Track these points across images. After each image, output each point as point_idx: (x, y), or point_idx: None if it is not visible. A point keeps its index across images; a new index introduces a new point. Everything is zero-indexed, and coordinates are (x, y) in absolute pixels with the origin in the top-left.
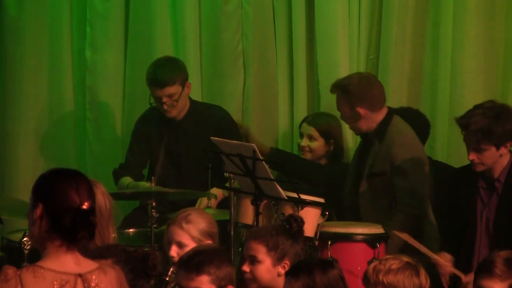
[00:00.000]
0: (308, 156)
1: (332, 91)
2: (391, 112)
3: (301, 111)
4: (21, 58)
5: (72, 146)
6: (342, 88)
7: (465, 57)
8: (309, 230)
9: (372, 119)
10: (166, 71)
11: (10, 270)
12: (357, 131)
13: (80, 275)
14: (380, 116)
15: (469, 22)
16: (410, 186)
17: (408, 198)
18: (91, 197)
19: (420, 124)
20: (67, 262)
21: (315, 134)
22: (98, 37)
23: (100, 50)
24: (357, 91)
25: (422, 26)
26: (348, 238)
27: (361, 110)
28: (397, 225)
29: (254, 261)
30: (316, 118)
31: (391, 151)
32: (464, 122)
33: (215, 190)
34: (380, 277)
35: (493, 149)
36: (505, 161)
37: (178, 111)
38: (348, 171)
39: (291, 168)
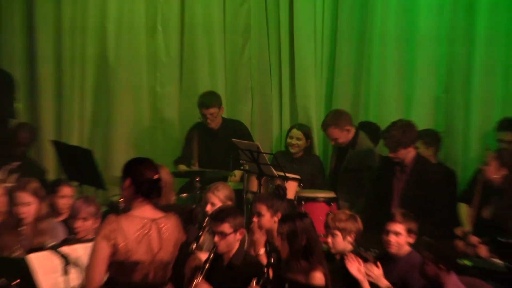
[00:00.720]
0: (296, 149)
1: (326, 125)
2: (357, 129)
3: (287, 124)
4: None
5: (148, 143)
6: (335, 121)
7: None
8: (291, 194)
9: (349, 135)
10: (210, 99)
11: (112, 216)
12: (340, 144)
13: (153, 220)
14: (352, 133)
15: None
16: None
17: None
18: (158, 173)
19: (373, 130)
20: (145, 212)
21: (301, 136)
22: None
23: (166, 86)
24: (344, 120)
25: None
26: (314, 199)
27: (348, 129)
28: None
29: (259, 214)
30: (301, 126)
31: (361, 155)
32: (384, 136)
33: (236, 172)
34: (336, 223)
35: (403, 150)
36: (412, 154)
37: (216, 123)
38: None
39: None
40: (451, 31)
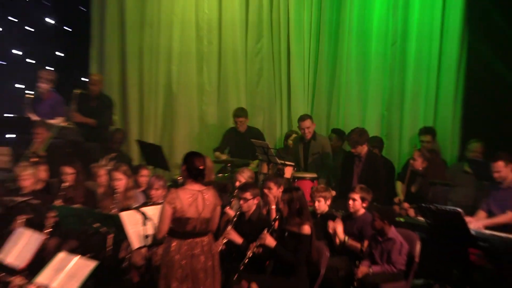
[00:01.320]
0: (309, 136)
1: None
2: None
3: (284, 130)
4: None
5: (198, 141)
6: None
7: None
8: (288, 175)
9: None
10: (241, 111)
11: (174, 189)
12: (307, 135)
13: (199, 191)
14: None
15: None
16: (329, 161)
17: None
18: (203, 165)
19: (340, 134)
20: (194, 186)
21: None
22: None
23: (209, 105)
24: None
25: None
26: (303, 178)
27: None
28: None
29: (269, 188)
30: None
31: (322, 144)
32: (347, 138)
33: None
34: (318, 193)
35: (360, 147)
36: (365, 150)
37: (243, 128)
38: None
39: None
40: (392, 61)
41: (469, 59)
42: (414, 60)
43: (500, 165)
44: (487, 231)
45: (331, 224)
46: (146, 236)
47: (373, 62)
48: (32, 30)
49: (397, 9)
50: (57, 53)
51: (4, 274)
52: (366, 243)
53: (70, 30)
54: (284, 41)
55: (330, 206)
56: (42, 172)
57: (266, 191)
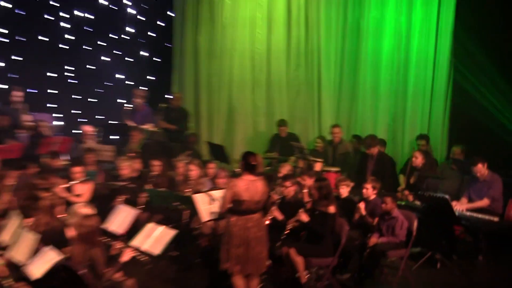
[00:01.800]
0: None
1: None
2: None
3: (316, 135)
4: None
5: (252, 143)
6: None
7: None
8: (318, 168)
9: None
10: (283, 122)
11: (234, 178)
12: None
13: (252, 180)
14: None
15: None
16: (350, 159)
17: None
18: (256, 161)
19: (358, 139)
20: (249, 177)
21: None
22: None
23: (260, 116)
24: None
25: None
26: (329, 171)
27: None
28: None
29: (304, 179)
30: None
31: (346, 146)
32: (364, 142)
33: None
34: (341, 182)
35: (372, 148)
36: (376, 150)
37: (284, 134)
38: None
39: None
40: (396, 86)
41: (454, 86)
42: (413, 86)
43: (480, 167)
44: (468, 213)
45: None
46: (212, 212)
47: (382, 86)
48: (131, 60)
49: (401, 42)
50: (148, 77)
51: (108, 239)
52: (376, 220)
53: (159, 60)
54: (316, 69)
55: (350, 193)
56: (137, 164)
57: (301, 180)
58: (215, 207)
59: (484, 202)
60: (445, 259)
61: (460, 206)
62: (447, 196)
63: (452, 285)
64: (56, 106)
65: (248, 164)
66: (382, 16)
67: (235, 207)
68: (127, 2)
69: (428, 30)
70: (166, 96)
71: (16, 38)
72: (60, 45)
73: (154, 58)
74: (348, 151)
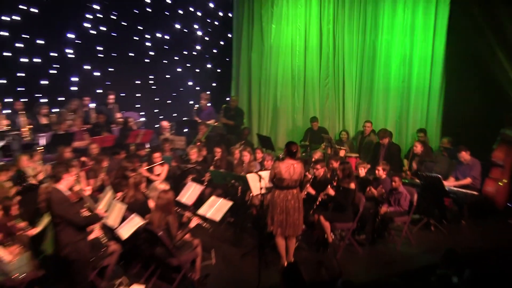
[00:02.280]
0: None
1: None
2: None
3: (340, 129)
4: None
5: (291, 135)
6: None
7: None
8: (342, 154)
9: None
10: (315, 119)
11: (277, 161)
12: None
13: (292, 163)
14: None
15: None
16: (372, 147)
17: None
18: (296, 149)
19: (375, 132)
20: (289, 160)
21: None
22: None
23: (298, 113)
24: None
25: None
26: (350, 156)
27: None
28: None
29: (331, 163)
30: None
31: (371, 138)
32: (378, 134)
33: (323, 145)
34: (360, 165)
35: (384, 139)
36: (387, 140)
37: (316, 128)
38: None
39: None
40: (401, 93)
41: (446, 94)
42: (414, 92)
43: (463, 153)
44: (455, 188)
45: (372, 188)
46: (260, 188)
47: (391, 94)
48: (198, 70)
49: (405, 61)
50: (212, 84)
51: (180, 209)
52: (385, 194)
53: (220, 71)
54: (341, 80)
55: (367, 173)
56: (203, 151)
57: (331, 164)
58: (263, 184)
59: (467, 181)
60: (437, 224)
61: (448, 183)
62: (439, 176)
63: (442, 243)
64: (140, 106)
65: (290, 151)
66: (392, 39)
67: (278, 183)
68: (196, 26)
69: (425, 56)
70: (226, 99)
71: (111, 54)
72: (145, 59)
73: (217, 70)
74: (372, 141)
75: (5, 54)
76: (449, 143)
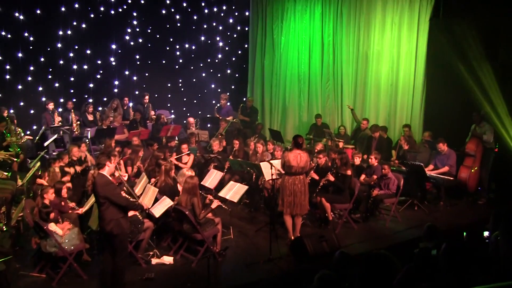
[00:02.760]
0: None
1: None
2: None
3: (338, 124)
4: None
5: (298, 129)
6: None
7: None
8: (340, 146)
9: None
10: (318, 116)
11: (286, 151)
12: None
13: (298, 153)
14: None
15: None
16: (366, 139)
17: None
18: (302, 140)
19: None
20: (297, 151)
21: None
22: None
23: (307, 112)
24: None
25: None
26: (347, 148)
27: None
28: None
29: (331, 154)
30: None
31: (366, 132)
32: (370, 129)
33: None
34: (356, 155)
35: (376, 133)
36: (378, 134)
37: (320, 123)
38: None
39: None
40: (390, 94)
41: (428, 89)
42: (400, 95)
43: (441, 145)
44: (434, 175)
45: (362, 176)
46: (272, 174)
47: (381, 94)
48: (219, 75)
49: (393, 65)
50: (232, 86)
51: (203, 192)
52: (376, 180)
53: (237, 75)
54: (339, 82)
55: (361, 161)
56: (223, 142)
57: (331, 154)
58: (274, 171)
59: (445, 169)
60: (420, 204)
61: (428, 171)
62: (421, 164)
63: (424, 220)
64: (170, 105)
65: (297, 142)
66: (382, 49)
67: (288, 170)
68: (218, 38)
69: (409, 63)
70: (243, 99)
71: (148, 62)
72: (175, 66)
73: (235, 74)
74: (366, 134)
75: (60, 62)
76: (430, 136)
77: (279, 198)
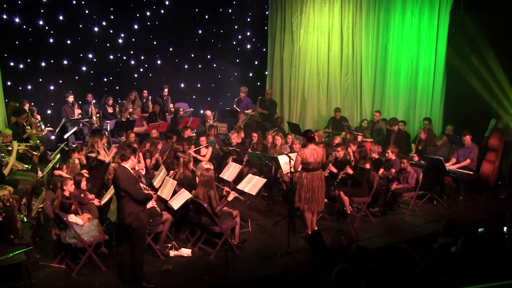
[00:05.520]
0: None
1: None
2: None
3: (358, 120)
4: None
5: (313, 124)
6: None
7: None
8: (359, 139)
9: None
10: (337, 109)
11: (302, 147)
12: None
13: (314, 148)
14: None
15: None
16: (383, 133)
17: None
18: (313, 133)
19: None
20: (311, 146)
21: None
22: None
23: (323, 105)
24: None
25: None
26: (366, 141)
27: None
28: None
29: (350, 146)
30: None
31: (381, 125)
32: (388, 122)
33: (343, 132)
34: (375, 147)
35: (394, 127)
36: (396, 128)
37: (338, 117)
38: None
39: None
40: (409, 86)
41: (447, 87)
42: (420, 86)
43: (467, 137)
44: (453, 168)
45: (381, 170)
46: (290, 167)
47: (401, 87)
48: (238, 68)
49: (413, 57)
50: (252, 77)
51: (221, 184)
52: (395, 173)
53: (256, 68)
54: (358, 75)
55: (379, 155)
56: (241, 135)
57: (349, 147)
58: (292, 164)
59: (466, 162)
60: (439, 198)
61: (449, 165)
62: (441, 158)
63: (443, 215)
64: (188, 98)
65: (309, 137)
66: (401, 42)
67: (305, 166)
68: (237, 29)
69: (430, 45)
70: (262, 92)
71: (167, 55)
72: (195, 60)
73: (255, 68)
74: (381, 127)
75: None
76: (452, 130)
77: (296, 194)
